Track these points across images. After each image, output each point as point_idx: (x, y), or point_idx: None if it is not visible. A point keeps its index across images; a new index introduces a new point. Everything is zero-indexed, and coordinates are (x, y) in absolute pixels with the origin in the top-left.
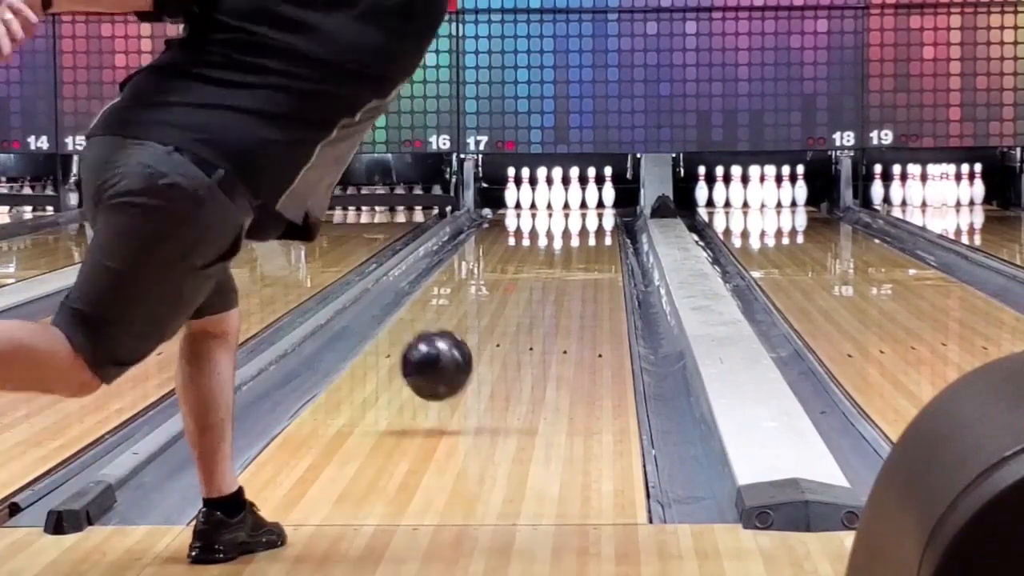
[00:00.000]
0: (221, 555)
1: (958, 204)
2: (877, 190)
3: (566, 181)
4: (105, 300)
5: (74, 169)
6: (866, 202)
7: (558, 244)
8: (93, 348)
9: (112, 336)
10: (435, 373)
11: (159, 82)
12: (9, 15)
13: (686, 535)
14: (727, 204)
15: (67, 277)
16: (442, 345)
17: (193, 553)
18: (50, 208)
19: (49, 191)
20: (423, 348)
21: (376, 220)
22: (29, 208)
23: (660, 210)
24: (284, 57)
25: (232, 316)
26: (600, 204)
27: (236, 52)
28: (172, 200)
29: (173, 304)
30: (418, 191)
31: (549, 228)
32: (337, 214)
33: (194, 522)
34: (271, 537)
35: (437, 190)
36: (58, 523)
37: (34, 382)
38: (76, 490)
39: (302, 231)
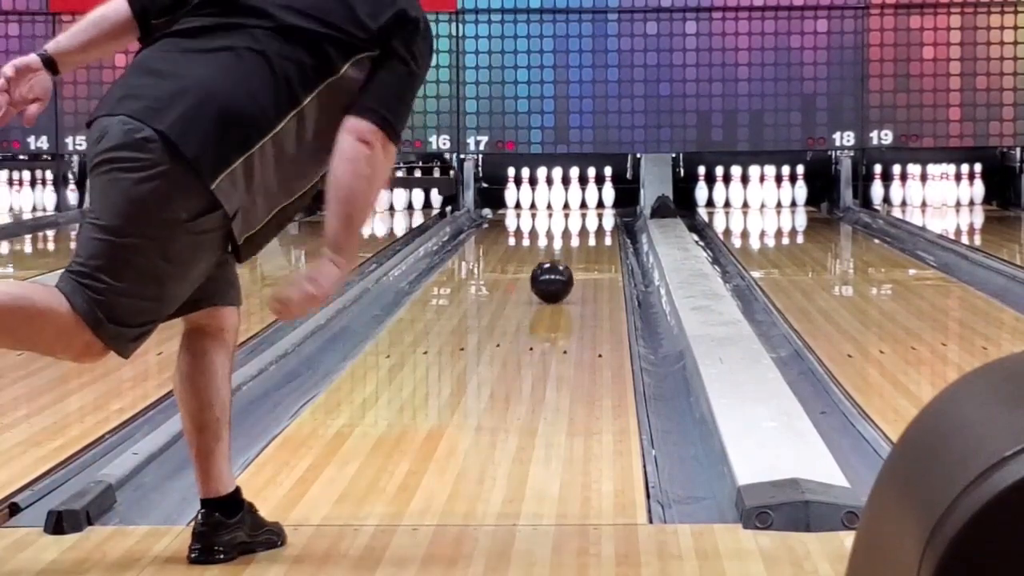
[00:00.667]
0: (221, 556)
1: (958, 204)
2: (877, 190)
3: (566, 181)
4: (97, 257)
5: (74, 167)
6: (866, 202)
7: (558, 244)
8: (90, 306)
9: (107, 294)
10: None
11: (138, 61)
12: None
13: (686, 535)
14: (727, 204)
15: None
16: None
17: (192, 555)
18: (49, 172)
19: (46, 156)
20: (547, 278)
21: (375, 221)
22: (29, 207)
23: (660, 210)
24: (254, 14)
25: (230, 313)
26: (600, 204)
27: (210, 16)
28: (148, 152)
29: (169, 262)
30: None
31: (549, 228)
32: None
33: (193, 523)
34: (271, 537)
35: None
36: (58, 523)
37: (34, 339)
38: (76, 490)
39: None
